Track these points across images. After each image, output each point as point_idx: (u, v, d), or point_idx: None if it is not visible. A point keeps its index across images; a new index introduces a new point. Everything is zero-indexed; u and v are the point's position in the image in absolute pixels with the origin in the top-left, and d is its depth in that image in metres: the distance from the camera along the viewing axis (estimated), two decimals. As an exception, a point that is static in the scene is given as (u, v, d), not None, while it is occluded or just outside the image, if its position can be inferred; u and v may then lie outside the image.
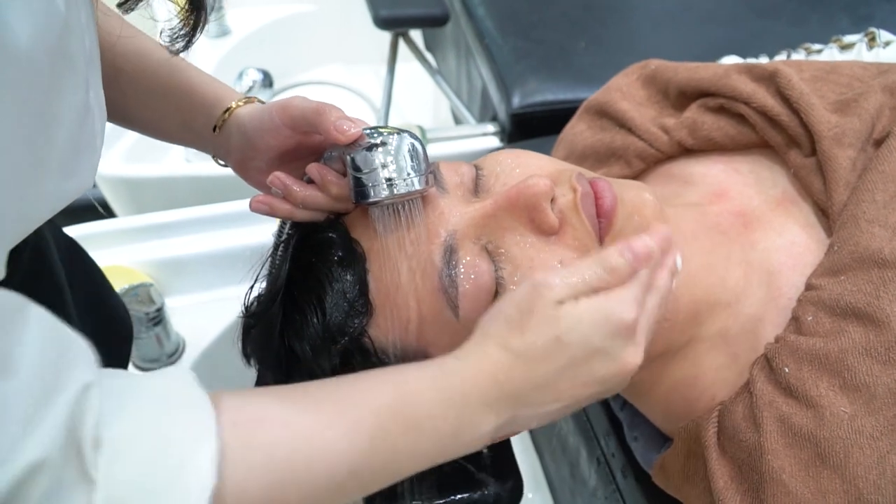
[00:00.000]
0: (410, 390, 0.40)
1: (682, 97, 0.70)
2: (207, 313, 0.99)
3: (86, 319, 0.60)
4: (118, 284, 0.91)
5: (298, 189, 0.52)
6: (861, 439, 0.47)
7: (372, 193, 0.48)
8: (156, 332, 0.92)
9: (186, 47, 0.47)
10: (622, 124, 0.72)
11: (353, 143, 0.48)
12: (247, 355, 0.56)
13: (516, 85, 1.16)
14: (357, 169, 0.48)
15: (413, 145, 0.49)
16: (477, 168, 0.54)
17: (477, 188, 0.53)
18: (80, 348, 0.32)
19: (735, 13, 1.30)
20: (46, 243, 0.54)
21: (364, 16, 1.34)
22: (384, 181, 0.48)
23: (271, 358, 0.53)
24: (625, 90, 0.75)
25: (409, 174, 0.48)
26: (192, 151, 1.36)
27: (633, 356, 0.44)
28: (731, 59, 0.88)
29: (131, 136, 1.31)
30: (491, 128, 1.21)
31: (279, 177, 0.52)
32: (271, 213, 0.54)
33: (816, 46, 0.93)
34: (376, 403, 0.39)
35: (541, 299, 0.43)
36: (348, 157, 0.48)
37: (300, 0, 1.88)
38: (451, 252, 0.49)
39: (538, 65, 1.17)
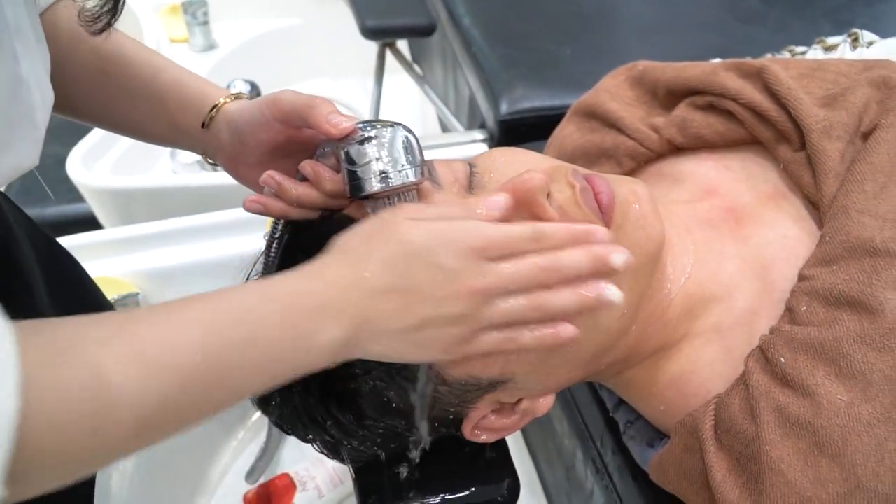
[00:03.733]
0: (240, 300, 0.39)
1: (671, 96, 0.70)
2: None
3: (63, 312, 0.59)
4: (107, 295, 0.90)
5: (292, 187, 0.52)
6: (859, 427, 0.46)
7: (367, 186, 0.48)
8: (145, 343, 0.91)
9: (109, 25, 0.46)
10: (612, 124, 0.72)
11: (346, 137, 0.48)
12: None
13: (504, 92, 1.16)
14: (351, 162, 0.48)
15: (407, 138, 0.49)
16: (471, 165, 0.54)
17: (471, 185, 0.53)
18: None
19: (720, 20, 1.31)
20: (14, 239, 0.53)
21: (351, 29, 1.34)
22: (378, 174, 0.47)
23: None
24: (613, 91, 0.76)
25: (403, 166, 0.48)
26: (178, 163, 1.36)
27: (476, 279, 0.42)
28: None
29: (119, 148, 1.31)
30: (479, 135, 1.22)
31: (272, 175, 0.52)
32: (265, 213, 0.53)
33: (800, 49, 0.95)
34: (206, 316, 0.37)
35: (394, 216, 0.44)
36: (342, 151, 0.48)
37: (287, 14, 1.89)
38: None
39: (526, 72, 1.18)
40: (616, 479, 0.69)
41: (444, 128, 1.53)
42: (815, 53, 0.92)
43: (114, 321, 0.37)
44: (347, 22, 1.36)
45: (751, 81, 0.63)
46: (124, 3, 0.46)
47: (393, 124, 0.49)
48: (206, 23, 1.74)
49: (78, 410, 0.32)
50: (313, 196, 0.52)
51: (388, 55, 1.43)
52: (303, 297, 0.40)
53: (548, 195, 0.50)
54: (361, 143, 0.48)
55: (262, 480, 0.98)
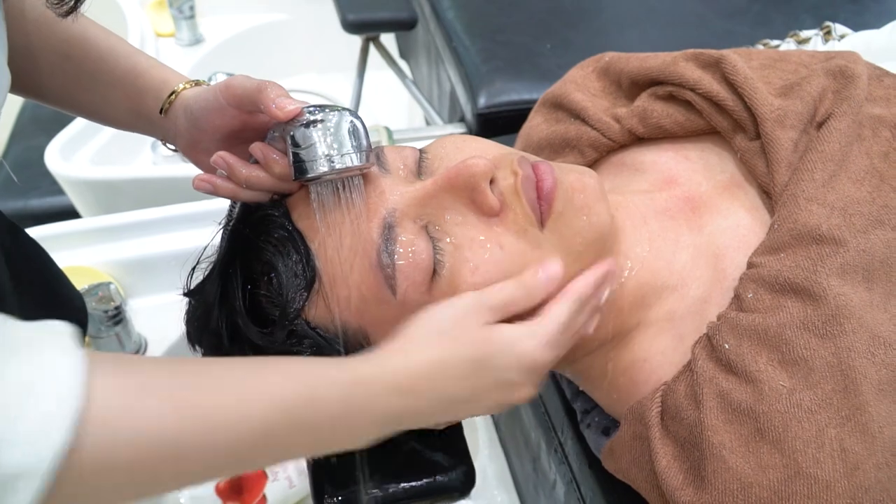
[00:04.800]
0: (318, 396, 0.40)
1: (634, 87, 0.70)
2: (171, 314, 0.98)
3: (28, 300, 0.59)
4: (79, 284, 0.90)
5: (242, 168, 0.52)
6: (800, 413, 0.47)
7: (310, 169, 0.48)
8: (116, 332, 0.91)
9: (76, 7, 0.46)
10: (576, 115, 0.72)
11: (294, 120, 0.48)
12: (190, 337, 0.55)
13: (483, 86, 1.16)
14: (296, 145, 0.48)
15: (353, 123, 0.49)
16: (422, 152, 0.54)
17: (420, 170, 0.53)
18: None
19: (701, 15, 1.31)
20: None
21: (337, 24, 1.35)
22: (323, 157, 0.48)
23: (210, 337, 0.52)
24: (580, 82, 0.76)
25: (348, 151, 0.48)
26: (159, 155, 1.36)
27: (527, 394, 0.48)
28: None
29: (99, 140, 1.31)
30: (458, 128, 1.22)
31: (222, 156, 0.52)
32: (214, 192, 0.53)
33: (774, 42, 0.95)
34: (281, 402, 0.39)
35: (471, 316, 0.46)
36: (288, 135, 0.48)
37: (273, 9, 1.89)
38: (389, 229, 0.49)
39: (504, 66, 1.18)
40: (575, 468, 0.69)
41: (429, 122, 1.54)
42: (787, 46, 0.92)
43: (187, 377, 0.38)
44: (333, 18, 1.36)
45: (709, 71, 0.64)
46: None
47: (340, 109, 0.50)
48: (192, 17, 1.74)
49: (129, 455, 0.33)
50: (263, 179, 0.52)
51: (373, 50, 1.43)
52: (372, 407, 0.42)
53: (493, 182, 0.50)
54: (307, 126, 0.48)
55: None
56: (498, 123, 1.14)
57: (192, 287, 0.55)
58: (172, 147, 0.61)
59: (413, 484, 0.59)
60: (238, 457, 0.38)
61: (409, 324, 0.46)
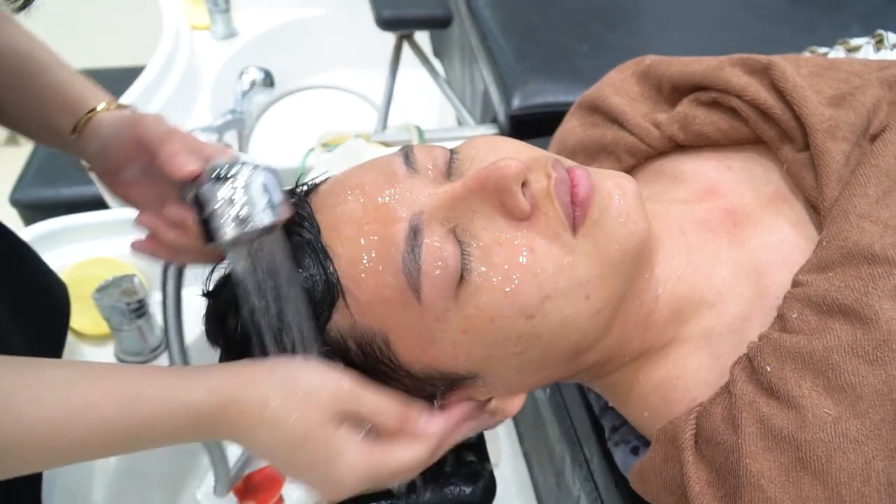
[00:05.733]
0: (145, 413, 0.43)
1: (676, 92, 0.68)
2: (194, 309, 0.98)
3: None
4: (103, 276, 0.90)
5: (168, 233, 0.50)
6: (845, 443, 0.44)
7: (218, 235, 0.43)
8: (138, 325, 0.90)
9: (26, 5, 0.44)
10: (613, 119, 0.70)
11: (199, 179, 0.44)
12: (208, 335, 0.54)
13: (517, 86, 1.14)
14: (200, 208, 0.44)
15: (265, 176, 0.45)
16: (452, 152, 0.52)
17: (450, 171, 0.51)
18: None
19: (743, 19, 1.28)
20: None
21: (371, 22, 1.33)
22: (232, 219, 0.43)
23: (226, 339, 0.51)
24: (618, 85, 0.73)
25: (260, 209, 0.44)
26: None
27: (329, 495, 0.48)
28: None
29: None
30: (490, 129, 1.20)
31: (145, 219, 0.50)
32: (157, 257, 0.53)
33: (822, 49, 0.91)
34: (100, 424, 0.42)
35: (328, 404, 0.45)
36: (191, 195, 0.44)
37: (309, 4, 1.88)
38: (415, 233, 0.47)
39: (539, 66, 1.16)
40: (601, 487, 0.67)
41: (461, 123, 1.52)
42: (836, 54, 0.88)
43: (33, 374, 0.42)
44: (369, 14, 1.34)
45: (757, 78, 0.61)
46: None
47: (248, 164, 0.45)
48: (227, 11, 1.74)
49: None
50: (187, 242, 0.49)
51: (407, 49, 1.42)
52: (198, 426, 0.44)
53: (525, 185, 0.48)
54: (214, 183, 0.44)
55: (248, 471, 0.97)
56: (531, 125, 1.12)
57: (211, 288, 0.54)
58: (88, 167, 0.58)
59: (432, 493, 0.58)
60: (53, 461, 0.43)
61: (275, 366, 0.46)
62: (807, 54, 0.89)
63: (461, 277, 0.46)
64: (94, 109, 0.55)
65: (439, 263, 0.46)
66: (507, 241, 0.47)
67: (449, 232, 0.47)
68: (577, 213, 0.48)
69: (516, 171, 0.46)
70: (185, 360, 0.76)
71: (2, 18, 0.56)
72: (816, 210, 0.55)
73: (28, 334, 0.66)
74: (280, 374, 0.46)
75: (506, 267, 0.46)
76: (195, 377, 0.45)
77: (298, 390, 0.45)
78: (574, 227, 0.48)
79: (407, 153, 0.50)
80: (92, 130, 0.55)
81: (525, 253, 0.47)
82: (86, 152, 0.56)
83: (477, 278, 0.46)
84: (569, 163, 0.51)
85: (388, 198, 0.48)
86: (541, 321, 0.47)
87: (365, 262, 0.47)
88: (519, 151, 0.51)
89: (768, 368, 0.47)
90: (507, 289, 0.46)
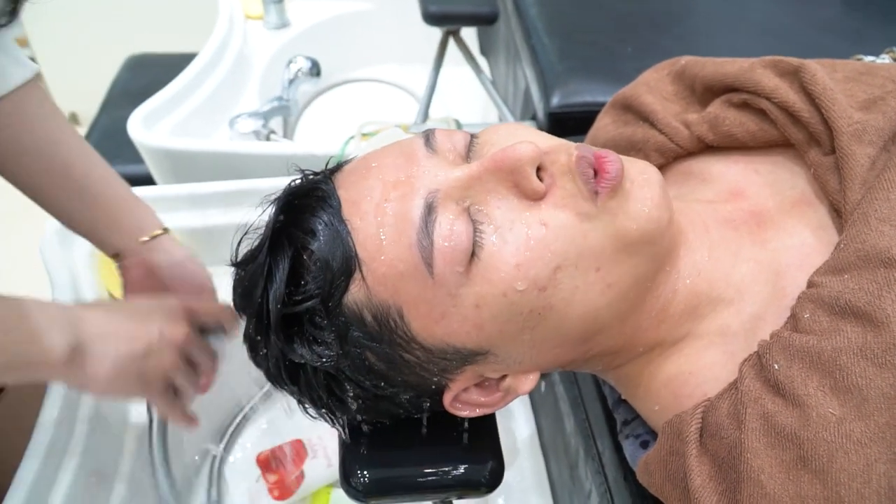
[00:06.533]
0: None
1: (708, 93, 0.68)
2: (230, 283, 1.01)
3: None
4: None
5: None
6: (848, 444, 0.44)
7: None
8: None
9: (10, 21, 0.55)
10: (645, 118, 0.70)
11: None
12: (235, 305, 0.56)
13: (557, 85, 1.14)
14: None
15: None
16: (473, 136, 0.54)
17: (469, 154, 0.52)
18: None
19: (792, 27, 1.26)
20: None
21: (419, 17, 1.35)
22: None
23: (252, 308, 0.53)
24: (652, 84, 0.74)
25: None
26: (236, 132, 1.40)
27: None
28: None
29: (179, 113, 1.36)
30: (529, 124, 1.20)
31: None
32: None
33: (868, 58, 0.89)
34: None
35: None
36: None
37: (359, -2, 1.92)
38: (430, 210, 0.48)
39: (581, 66, 1.16)
40: (610, 479, 0.67)
41: (503, 119, 1.53)
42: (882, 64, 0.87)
43: None
44: (417, 10, 1.36)
45: (787, 80, 0.61)
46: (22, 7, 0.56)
47: None
48: (281, 1, 1.78)
49: None
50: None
51: (453, 46, 1.44)
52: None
53: (542, 168, 0.49)
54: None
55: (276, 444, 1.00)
56: (569, 124, 1.13)
57: (239, 258, 0.56)
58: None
59: (440, 470, 0.59)
60: None
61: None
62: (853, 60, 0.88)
63: (473, 253, 0.48)
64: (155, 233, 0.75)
65: (452, 239, 0.47)
66: (518, 218, 0.48)
67: (463, 210, 0.49)
68: (603, 184, 0.49)
69: (530, 153, 0.48)
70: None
71: (63, 132, 0.71)
72: (839, 214, 0.55)
73: None
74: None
75: (519, 241, 0.48)
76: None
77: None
78: (597, 196, 0.49)
79: (428, 136, 0.52)
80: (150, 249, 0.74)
81: (536, 227, 0.48)
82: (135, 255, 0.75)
83: (488, 254, 0.48)
84: (593, 148, 0.52)
85: (406, 176, 0.50)
86: (552, 292, 0.48)
87: (381, 236, 0.49)
88: (537, 138, 0.53)
89: (776, 366, 0.48)
90: (518, 262, 0.47)
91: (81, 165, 0.72)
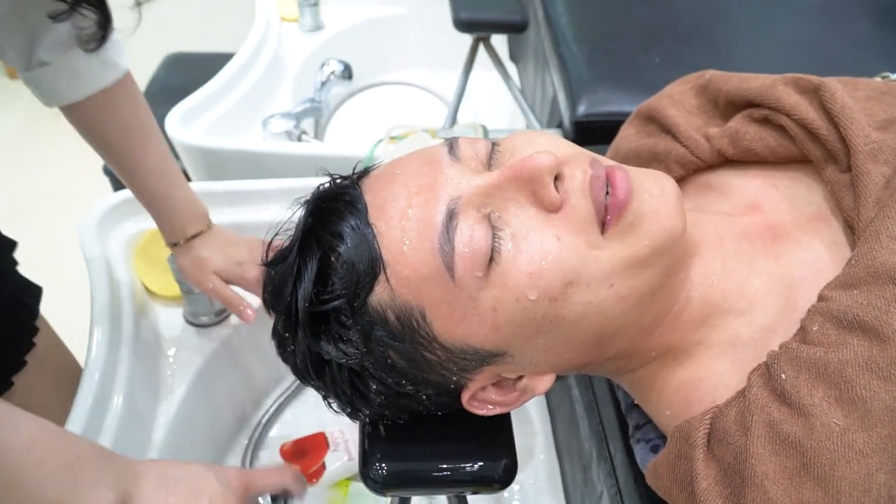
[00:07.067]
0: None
1: (731, 107, 0.69)
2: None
3: None
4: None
5: None
6: (850, 454, 0.45)
7: None
8: (206, 291, 0.97)
9: (98, 47, 0.68)
10: (667, 130, 0.72)
11: None
12: (265, 302, 0.59)
13: (584, 93, 1.16)
14: None
15: None
16: (494, 144, 0.56)
17: (491, 162, 0.54)
18: None
19: (822, 41, 1.26)
20: None
21: (450, 23, 1.38)
22: None
23: (281, 306, 0.56)
24: (676, 97, 0.75)
25: None
26: (269, 132, 1.44)
27: None
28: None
29: (216, 112, 1.40)
30: (555, 133, 1.22)
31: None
32: None
33: (895, 76, 0.90)
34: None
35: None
36: None
37: (392, 2, 1.95)
38: (451, 216, 0.51)
39: (608, 75, 1.18)
40: (621, 482, 0.69)
41: (529, 126, 1.55)
42: (909, 82, 0.87)
43: None
44: (449, 16, 1.39)
45: (807, 97, 0.62)
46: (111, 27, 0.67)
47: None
48: (316, 4, 1.82)
49: None
50: None
51: (482, 51, 1.46)
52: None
53: (560, 178, 0.51)
54: None
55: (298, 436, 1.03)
56: (595, 133, 1.14)
57: (269, 258, 0.59)
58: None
59: (456, 465, 0.61)
60: None
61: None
62: (878, 79, 0.89)
63: (491, 259, 0.50)
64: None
65: (471, 245, 0.50)
66: (535, 228, 0.51)
67: (484, 217, 0.51)
68: (610, 214, 0.51)
69: (549, 163, 0.50)
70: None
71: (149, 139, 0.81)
72: (853, 231, 0.56)
73: None
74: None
75: (532, 252, 0.50)
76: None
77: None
78: (604, 227, 0.51)
79: (452, 144, 0.54)
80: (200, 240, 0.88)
81: (551, 240, 0.50)
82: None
83: (505, 261, 0.50)
84: (608, 162, 0.54)
85: (430, 183, 0.52)
86: (563, 304, 0.50)
87: (405, 240, 0.51)
88: (557, 146, 0.54)
89: (783, 376, 0.49)
90: (532, 271, 0.50)
91: (146, 161, 0.81)
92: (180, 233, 0.86)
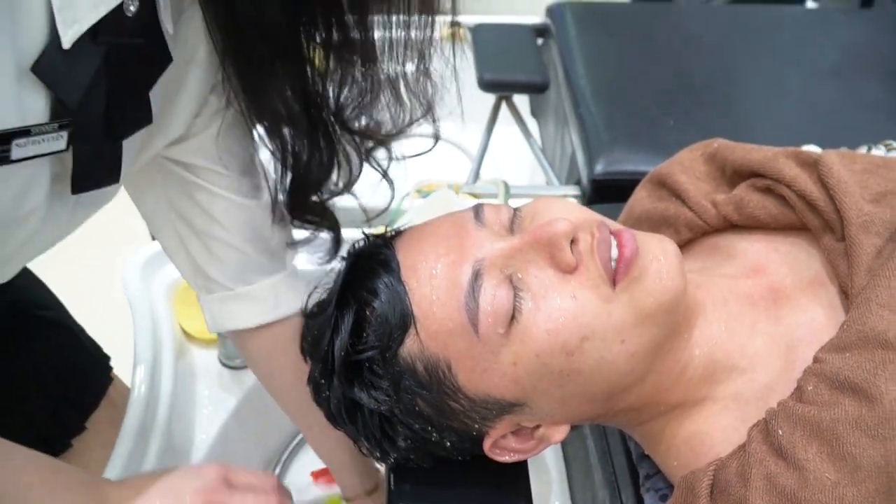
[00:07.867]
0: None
1: (736, 176, 0.74)
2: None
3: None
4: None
5: None
6: None
7: None
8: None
9: (329, 262, 0.70)
10: (677, 195, 0.77)
11: None
12: (303, 351, 0.65)
13: (602, 153, 1.22)
14: None
15: None
16: (516, 210, 0.61)
17: (512, 227, 0.60)
18: None
19: (838, 105, 1.30)
20: None
21: (475, 79, 1.44)
22: None
23: (319, 355, 0.61)
24: (686, 164, 0.80)
25: None
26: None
27: None
28: (809, 148, 0.91)
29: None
30: (572, 190, 1.28)
31: None
32: None
33: (897, 145, 0.95)
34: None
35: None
36: None
37: (421, 58, 2.02)
38: (476, 276, 0.56)
39: (625, 136, 1.23)
40: (632, 529, 0.72)
41: (549, 182, 1.60)
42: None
43: None
44: (473, 71, 1.45)
45: (807, 170, 0.67)
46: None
47: None
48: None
49: None
50: None
51: (504, 108, 1.53)
52: None
53: (575, 242, 0.57)
54: None
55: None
56: (611, 191, 1.19)
57: (309, 310, 0.64)
58: None
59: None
60: None
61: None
62: (881, 148, 0.93)
63: (513, 317, 0.55)
64: None
65: (494, 304, 0.55)
66: (553, 288, 0.56)
67: (506, 278, 0.56)
68: (620, 269, 0.56)
69: (565, 229, 0.55)
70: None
71: None
72: (847, 296, 0.60)
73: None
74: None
75: (550, 310, 0.55)
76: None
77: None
78: (614, 282, 0.56)
79: (477, 210, 0.60)
80: None
81: (568, 299, 0.55)
82: None
83: (526, 318, 0.55)
84: (616, 226, 0.59)
85: (457, 245, 0.58)
86: (579, 358, 0.55)
87: (434, 298, 0.57)
88: (571, 212, 0.60)
89: (780, 432, 0.53)
90: (551, 328, 0.55)
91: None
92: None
